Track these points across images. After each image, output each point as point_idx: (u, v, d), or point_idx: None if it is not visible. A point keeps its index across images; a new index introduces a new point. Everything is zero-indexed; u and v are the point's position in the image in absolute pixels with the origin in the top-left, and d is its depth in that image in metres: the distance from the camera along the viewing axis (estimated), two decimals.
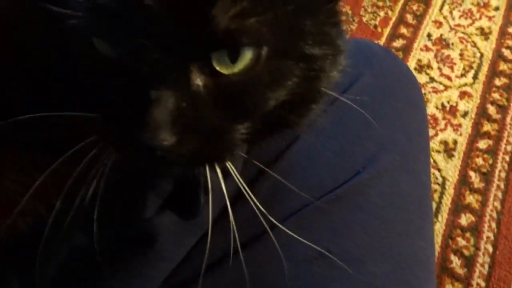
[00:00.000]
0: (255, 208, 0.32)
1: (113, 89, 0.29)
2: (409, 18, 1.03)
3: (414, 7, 1.05)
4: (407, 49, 0.98)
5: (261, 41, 0.28)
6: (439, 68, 0.95)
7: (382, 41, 0.99)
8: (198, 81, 0.28)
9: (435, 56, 0.97)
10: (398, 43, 0.99)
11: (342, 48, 0.32)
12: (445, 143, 0.86)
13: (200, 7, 0.25)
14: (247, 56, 0.28)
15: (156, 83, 0.27)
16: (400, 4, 1.06)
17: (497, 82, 0.94)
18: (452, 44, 0.99)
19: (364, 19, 1.03)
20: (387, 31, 1.01)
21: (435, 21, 1.03)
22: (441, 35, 1.00)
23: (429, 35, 1.00)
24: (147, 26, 0.26)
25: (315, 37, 0.30)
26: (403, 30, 1.01)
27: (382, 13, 1.04)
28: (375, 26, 1.02)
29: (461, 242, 0.77)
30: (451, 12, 1.04)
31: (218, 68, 0.28)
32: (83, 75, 0.30)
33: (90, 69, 0.29)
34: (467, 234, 0.77)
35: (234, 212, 0.32)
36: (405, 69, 0.53)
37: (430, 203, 0.48)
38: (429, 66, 0.95)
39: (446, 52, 0.98)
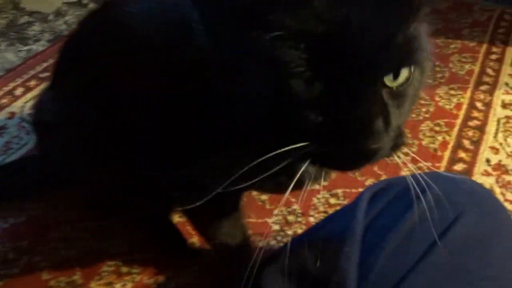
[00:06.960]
0: None
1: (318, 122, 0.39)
2: (466, 143, 1.09)
3: (470, 133, 1.12)
4: (468, 173, 1.01)
5: (414, 62, 0.40)
6: (502, 194, 0.98)
7: (443, 165, 1.03)
8: (384, 93, 0.39)
9: (497, 182, 1.01)
10: (458, 166, 1.03)
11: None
12: None
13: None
14: (404, 74, 0.40)
15: (363, 103, 0.37)
16: (455, 129, 1.13)
17: None
18: (511, 170, 1.03)
19: (424, 143, 1.09)
20: (447, 155, 1.06)
21: (492, 147, 1.08)
22: (500, 161, 1.05)
23: (487, 160, 1.05)
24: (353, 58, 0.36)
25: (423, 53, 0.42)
26: (462, 154, 1.06)
27: (440, 138, 1.10)
28: (435, 150, 1.07)
29: None
30: (505, 140, 1.10)
31: (387, 83, 0.39)
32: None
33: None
34: None
35: None
36: (505, 210, 0.56)
37: None
38: (492, 191, 0.98)
39: (506, 177, 1.01)
